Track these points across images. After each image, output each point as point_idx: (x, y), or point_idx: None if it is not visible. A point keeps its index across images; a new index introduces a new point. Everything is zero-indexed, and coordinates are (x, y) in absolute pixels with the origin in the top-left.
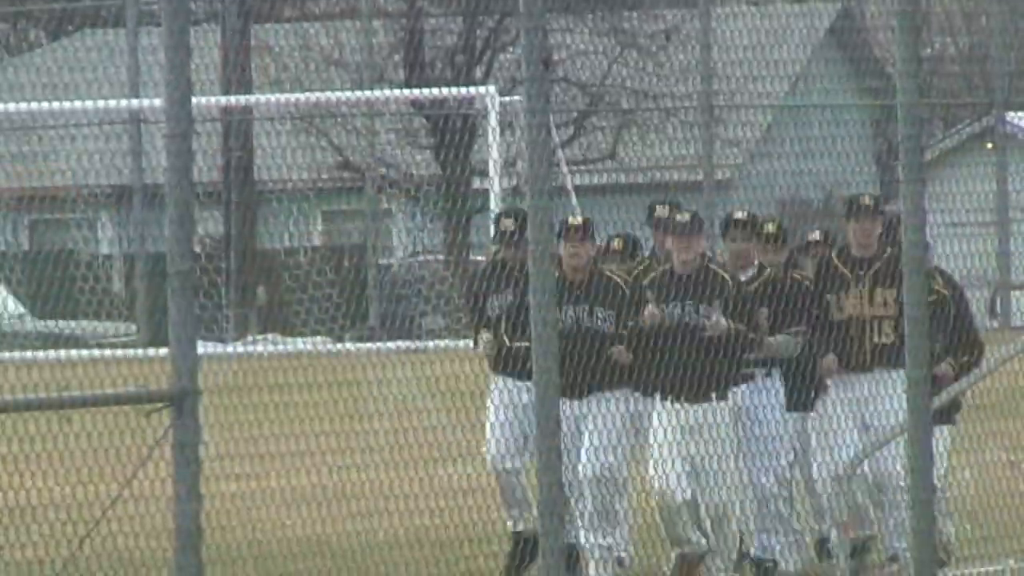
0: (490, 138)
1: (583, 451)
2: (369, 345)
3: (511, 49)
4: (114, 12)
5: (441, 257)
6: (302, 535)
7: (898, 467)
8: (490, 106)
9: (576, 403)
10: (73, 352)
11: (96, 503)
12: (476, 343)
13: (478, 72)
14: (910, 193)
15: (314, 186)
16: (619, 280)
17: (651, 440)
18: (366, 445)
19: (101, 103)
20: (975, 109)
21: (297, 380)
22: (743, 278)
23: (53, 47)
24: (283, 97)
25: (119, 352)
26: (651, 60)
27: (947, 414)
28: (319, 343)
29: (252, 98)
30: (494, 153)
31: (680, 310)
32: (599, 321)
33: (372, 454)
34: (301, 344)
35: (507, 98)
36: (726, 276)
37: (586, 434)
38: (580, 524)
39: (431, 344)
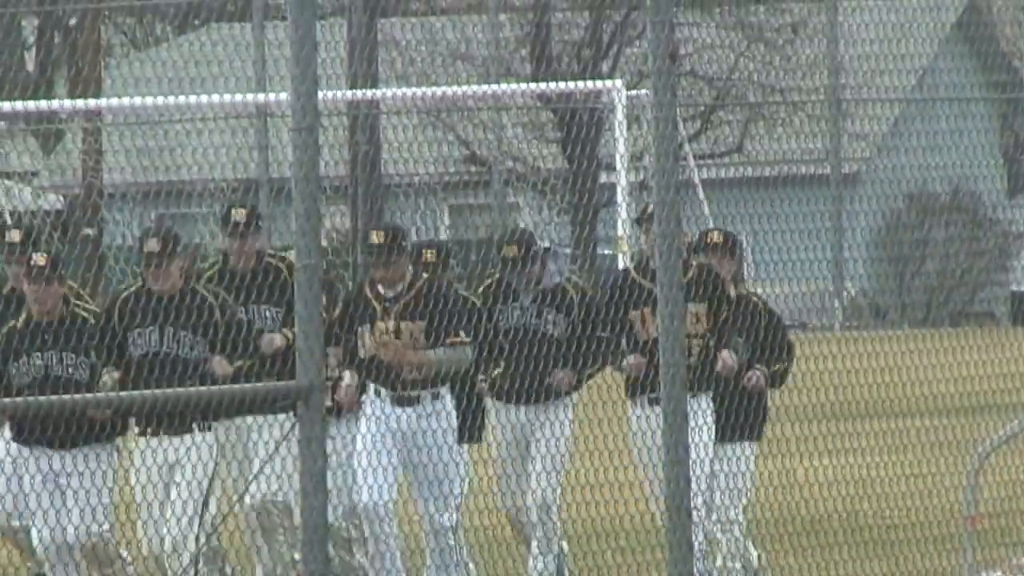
0: (617, 132)
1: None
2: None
3: (638, 43)
4: (240, 6)
5: (568, 251)
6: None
7: (725, 500)
8: (617, 100)
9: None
10: None
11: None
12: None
13: (605, 66)
14: None
15: (441, 180)
16: (211, 299)
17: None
18: (484, 439)
19: (227, 97)
20: None
21: None
22: (391, 294)
23: (179, 41)
24: (410, 91)
25: None
26: (778, 54)
27: (753, 428)
28: None
29: (379, 92)
30: (621, 147)
31: (158, 337)
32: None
33: (489, 449)
34: None
35: (634, 92)
36: (211, 298)
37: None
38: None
39: None
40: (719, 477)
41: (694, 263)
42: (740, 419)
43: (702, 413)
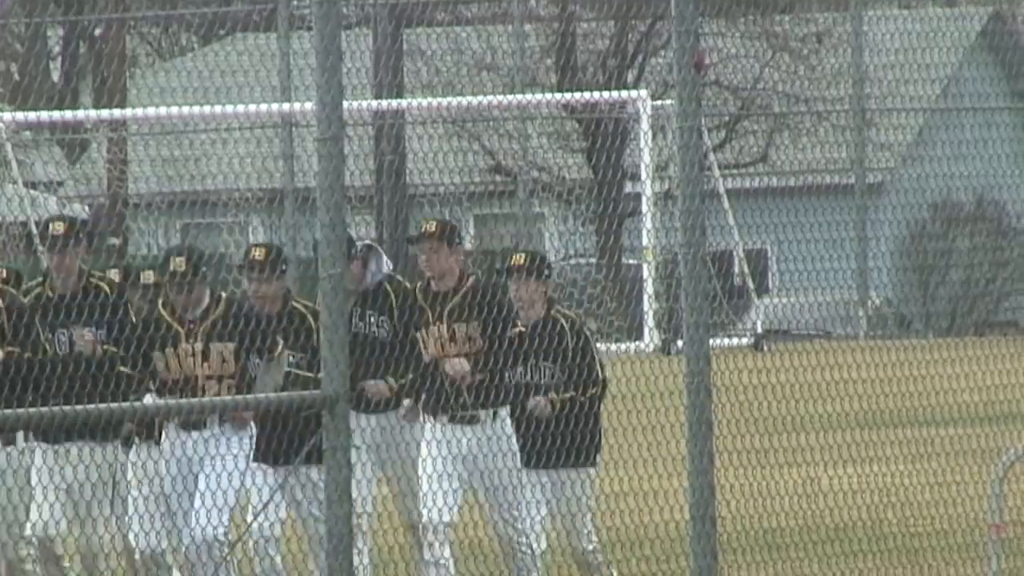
0: (642, 142)
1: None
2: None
3: (663, 53)
4: (265, 16)
5: (593, 261)
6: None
7: (592, 542)
8: (642, 110)
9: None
10: None
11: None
12: None
13: (630, 76)
14: None
15: (466, 190)
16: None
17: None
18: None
19: (252, 107)
20: None
21: None
22: (192, 316)
23: (204, 51)
24: (435, 101)
25: None
26: (803, 63)
27: (588, 454)
28: None
29: (404, 102)
30: (646, 157)
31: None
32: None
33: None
34: None
35: (659, 102)
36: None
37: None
38: None
39: None
40: (557, 506)
41: (470, 281)
42: (569, 445)
43: (500, 425)
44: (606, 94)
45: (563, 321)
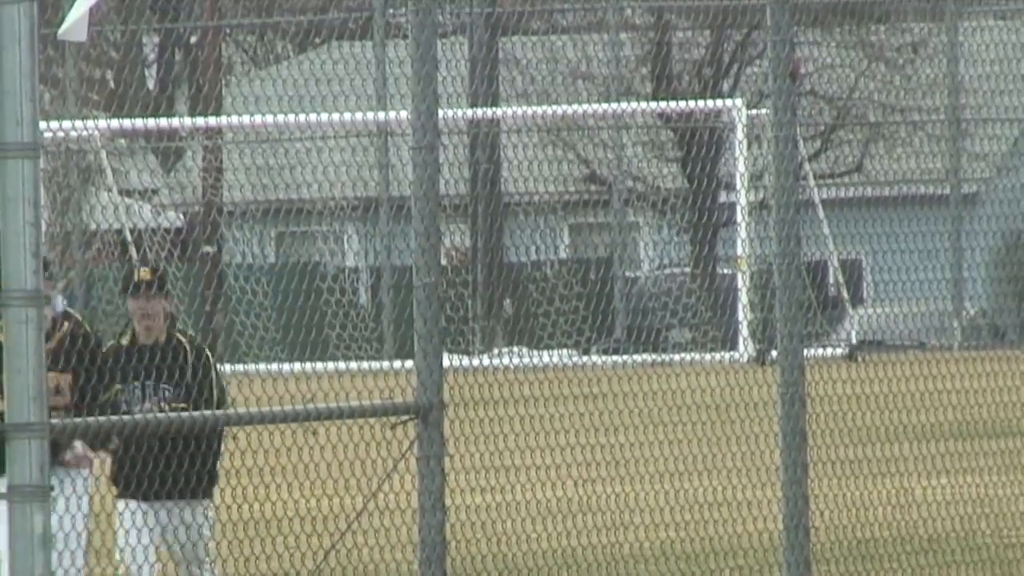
0: (737, 151)
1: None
2: (615, 358)
3: (759, 62)
4: (361, 24)
5: (688, 270)
6: (547, 548)
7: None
8: (737, 119)
9: None
10: (319, 365)
11: (341, 515)
12: None
13: (725, 85)
14: None
15: (561, 199)
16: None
17: None
18: (612, 458)
19: (348, 115)
20: None
21: (543, 393)
22: None
23: (300, 59)
24: (530, 109)
25: (365, 364)
26: (898, 73)
27: (197, 486)
28: (565, 356)
29: (499, 110)
30: (741, 166)
31: None
32: None
33: (618, 467)
34: (547, 357)
35: (754, 111)
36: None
37: None
38: None
39: (677, 357)
40: (178, 537)
41: (65, 326)
42: (176, 471)
43: (81, 481)
44: (701, 103)
45: (183, 340)
